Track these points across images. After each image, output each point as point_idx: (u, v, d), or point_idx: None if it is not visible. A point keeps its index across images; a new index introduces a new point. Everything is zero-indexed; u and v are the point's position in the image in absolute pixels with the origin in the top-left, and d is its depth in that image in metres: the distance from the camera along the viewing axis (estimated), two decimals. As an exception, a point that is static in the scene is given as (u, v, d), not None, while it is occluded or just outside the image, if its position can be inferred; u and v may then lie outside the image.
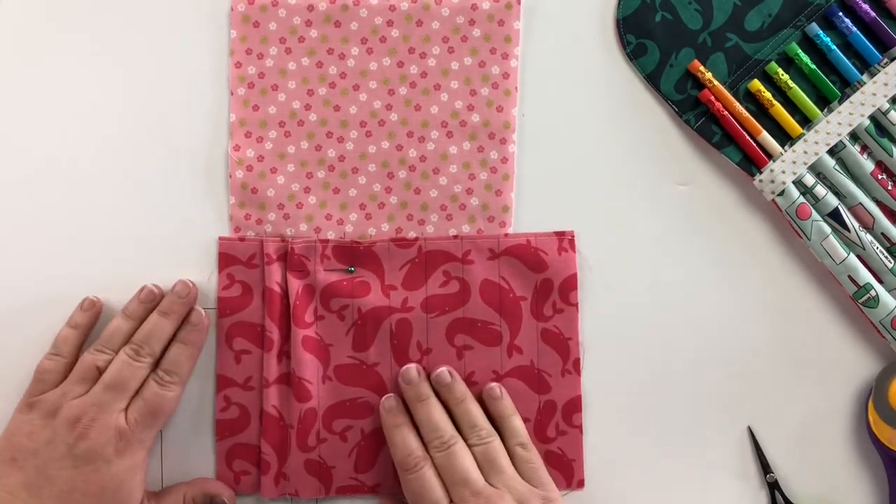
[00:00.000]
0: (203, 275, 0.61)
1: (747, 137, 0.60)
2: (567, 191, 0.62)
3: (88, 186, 0.61)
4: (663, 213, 0.61)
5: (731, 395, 0.61)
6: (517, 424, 0.60)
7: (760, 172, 0.60)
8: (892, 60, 0.60)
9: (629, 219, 0.61)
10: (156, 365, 0.59)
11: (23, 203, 0.61)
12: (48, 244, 0.61)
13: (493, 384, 0.61)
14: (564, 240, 0.61)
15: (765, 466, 0.61)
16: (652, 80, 0.61)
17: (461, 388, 0.60)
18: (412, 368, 0.60)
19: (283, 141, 0.61)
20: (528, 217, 0.61)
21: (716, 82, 0.60)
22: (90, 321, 0.61)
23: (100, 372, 0.58)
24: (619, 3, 0.61)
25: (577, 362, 0.61)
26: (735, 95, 0.60)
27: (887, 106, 0.59)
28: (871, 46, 0.60)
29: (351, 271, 0.61)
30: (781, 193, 0.59)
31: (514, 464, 0.58)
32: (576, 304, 0.61)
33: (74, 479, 0.55)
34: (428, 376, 0.60)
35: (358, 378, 0.61)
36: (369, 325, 0.61)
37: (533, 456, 0.59)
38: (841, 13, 0.60)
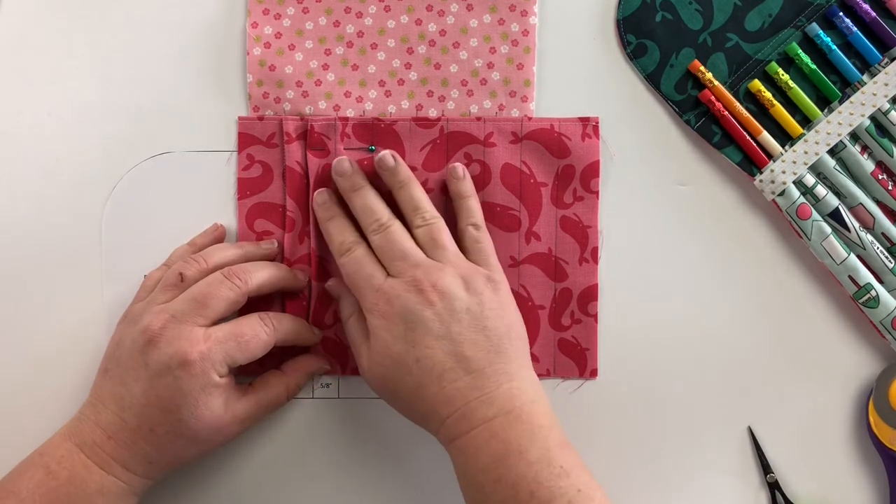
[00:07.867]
0: (223, 157, 0.61)
1: (747, 137, 0.60)
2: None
3: (104, 67, 0.61)
4: (663, 213, 0.62)
5: (731, 395, 0.61)
6: (473, 205, 0.58)
7: (761, 172, 0.60)
8: (892, 60, 0.60)
9: (629, 219, 0.61)
10: (246, 297, 0.56)
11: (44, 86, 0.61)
12: (66, 128, 0.61)
13: (457, 164, 0.59)
14: (588, 125, 0.61)
15: (765, 466, 0.61)
16: (652, 80, 0.61)
17: (405, 172, 0.58)
18: (344, 160, 0.58)
19: (301, 17, 0.61)
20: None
21: (716, 82, 0.60)
22: (208, 244, 0.59)
23: (183, 279, 0.55)
24: (619, 4, 0.61)
25: (595, 251, 0.61)
26: (735, 95, 0.60)
27: (888, 106, 0.59)
28: (871, 46, 0.60)
29: (371, 150, 0.60)
30: (782, 193, 0.59)
31: (463, 243, 0.57)
32: (596, 192, 0.61)
33: (148, 391, 0.52)
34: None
35: None
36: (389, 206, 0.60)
37: (483, 237, 0.57)
38: (841, 13, 0.60)
